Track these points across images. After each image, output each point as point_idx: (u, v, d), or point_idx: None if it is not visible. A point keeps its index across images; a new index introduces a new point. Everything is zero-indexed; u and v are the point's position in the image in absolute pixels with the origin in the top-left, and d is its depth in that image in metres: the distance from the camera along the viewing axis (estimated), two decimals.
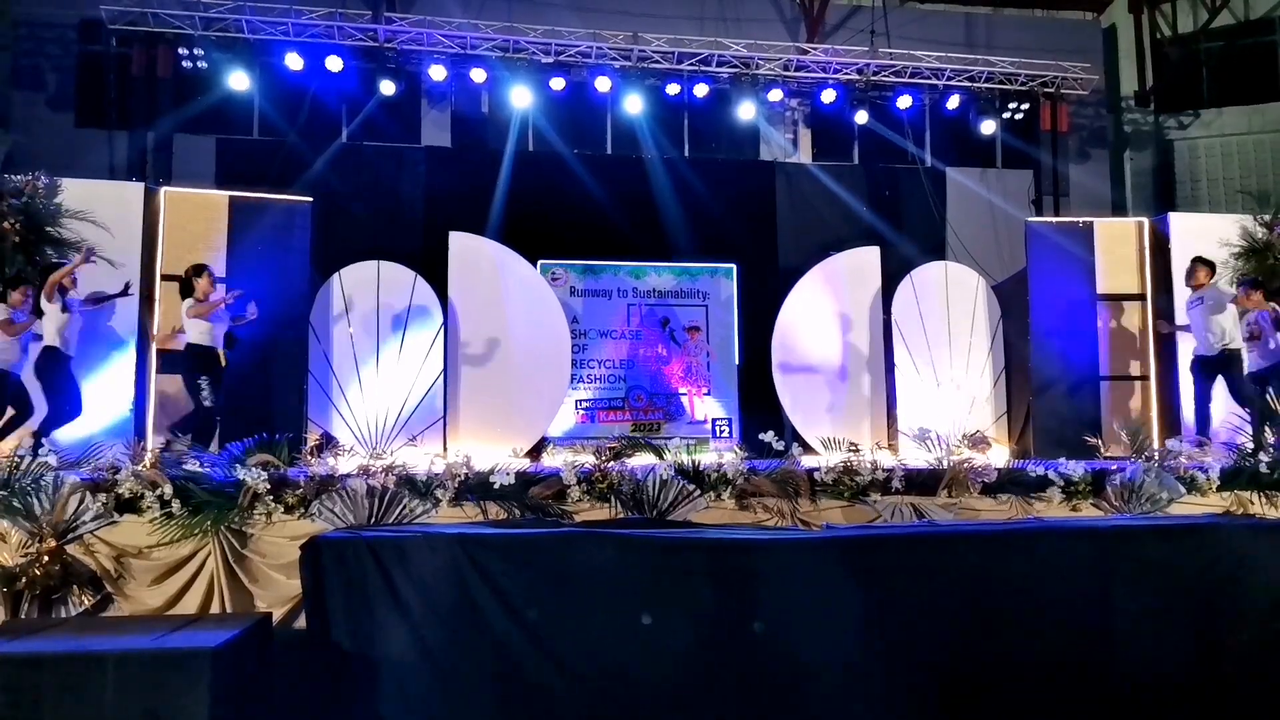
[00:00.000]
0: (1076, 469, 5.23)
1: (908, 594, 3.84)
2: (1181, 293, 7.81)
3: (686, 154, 11.86)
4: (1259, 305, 7.35)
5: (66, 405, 6.61)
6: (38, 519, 4.26)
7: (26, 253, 6.75)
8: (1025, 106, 11.76)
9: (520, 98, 10.82)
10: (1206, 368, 7.37)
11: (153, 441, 6.70)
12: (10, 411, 6.45)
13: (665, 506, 4.76)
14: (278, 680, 3.93)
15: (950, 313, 8.69)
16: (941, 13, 12.99)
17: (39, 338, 6.63)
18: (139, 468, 4.68)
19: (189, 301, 6.74)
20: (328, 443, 6.13)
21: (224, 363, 6.86)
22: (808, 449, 5.86)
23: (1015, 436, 8.59)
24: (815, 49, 11.52)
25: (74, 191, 7.06)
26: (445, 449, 7.46)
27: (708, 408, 10.60)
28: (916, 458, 5.79)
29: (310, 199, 8.20)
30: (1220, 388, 7.39)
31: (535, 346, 8.35)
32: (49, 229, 6.84)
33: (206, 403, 6.62)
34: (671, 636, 3.70)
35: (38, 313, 6.58)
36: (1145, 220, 8.68)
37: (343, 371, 7.99)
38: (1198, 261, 7.54)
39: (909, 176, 12.12)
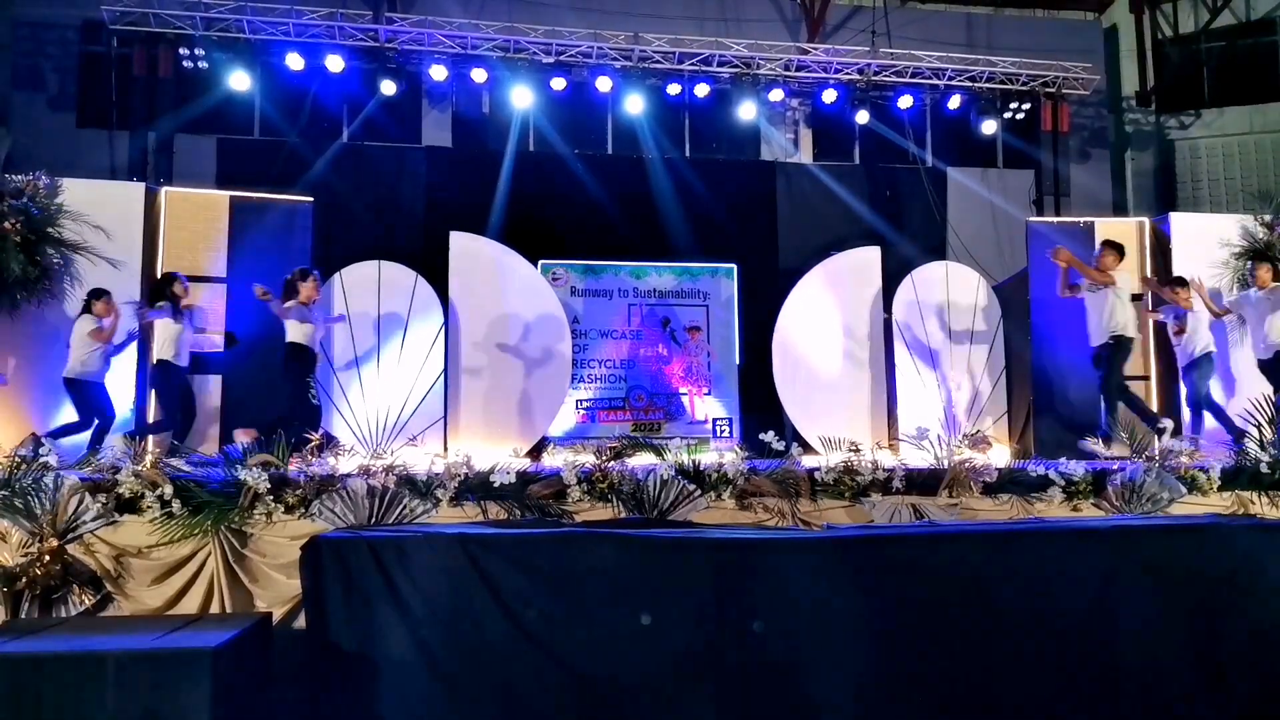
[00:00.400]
0: (1077, 469, 5.22)
1: (908, 594, 3.84)
2: None
3: (687, 154, 11.86)
4: (1184, 303, 7.37)
5: (181, 413, 7.00)
6: (38, 519, 4.27)
7: (27, 253, 6.75)
8: (1026, 106, 11.75)
9: (521, 98, 10.82)
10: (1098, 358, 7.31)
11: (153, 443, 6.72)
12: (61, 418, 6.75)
13: (666, 506, 4.75)
14: (278, 680, 3.94)
15: (950, 313, 8.69)
16: (942, 13, 12.99)
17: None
18: (139, 468, 4.68)
19: (290, 302, 6.89)
20: (328, 443, 6.13)
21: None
22: (808, 449, 5.85)
23: (1016, 436, 8.58)
24: (816, 49, 11.52)
25: (75, 192, 7.05)
26: (445, 449, 7.45)
27: (708, 408, 10.59)
28: (917, 458, 5.78)
29: (311, 199, 8.20)
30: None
31: (535, 347, 8.35)
32: (50, 229, 6.84)
33: (315, 401, 6.87)
34: (671, 636, 3.70)
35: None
36: (1146, 220, 8.68)
37: (343, 371, 7.99)
38: (1108, 246, 7.38)
39: (910, 176, 12.12)
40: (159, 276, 7.09)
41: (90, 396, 6.73)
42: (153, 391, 7.10)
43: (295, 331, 6.86)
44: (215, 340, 7.62)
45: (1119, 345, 7.15)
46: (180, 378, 6.99)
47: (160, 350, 6.85)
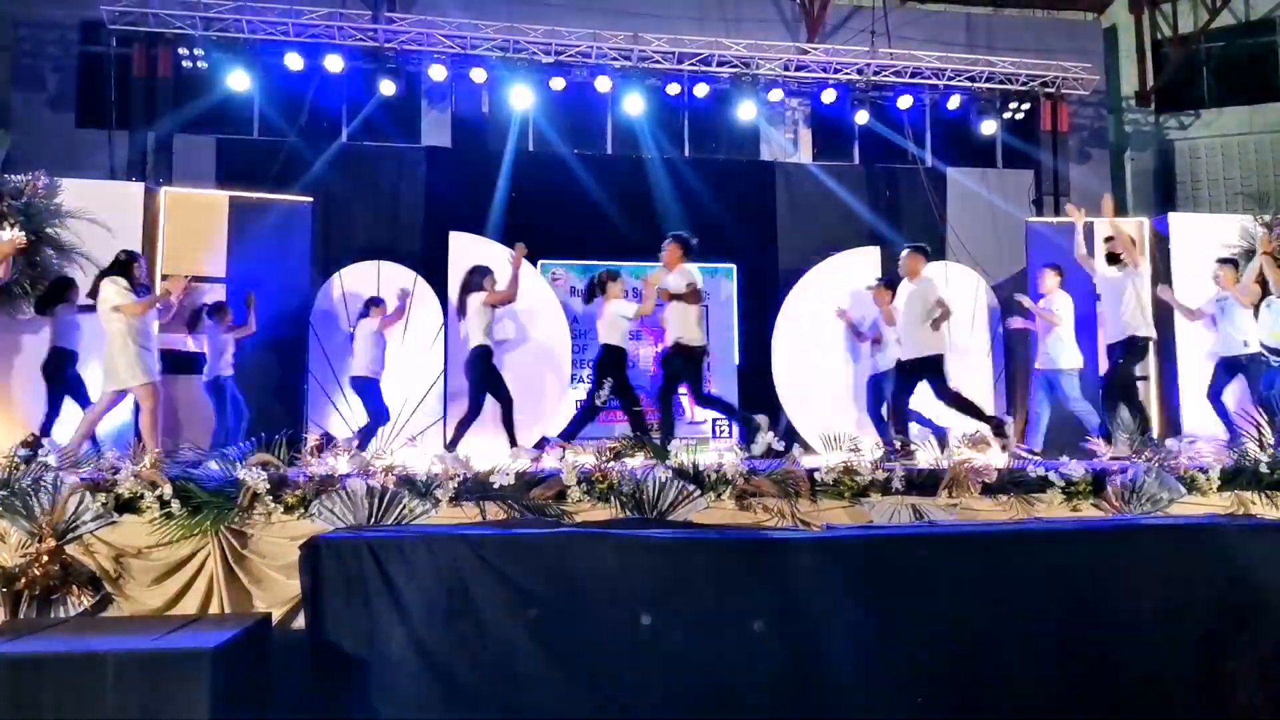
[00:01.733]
0: (1077, 469, 5.22)
1: (908, 594, 3.84)
2: (1181, 293, 7.79)
3: (686, 154, 11.84)
4: (888, 302, 7.39)
5: (497, 394, 7.28)
6: (38, 519, 4.26)
7: (27, 253, 6.75)
8: (1026, 106, 11.75)
9: (520, 98, 10.81)
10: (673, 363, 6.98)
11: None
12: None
13: (665, 507, 4.75)
14: (278, 680, 3.93)
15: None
16: (942, 13, 12.99)
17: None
18: (139, 468, 4.67)
19: (615, 303, 7.01)
20: (328, 443, 6.13)
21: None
22: (808, 449, 5.86)
23: (1015, 437, 8.56)
24: (815, 49, 11.52)
25: (74, 192, 7.06)
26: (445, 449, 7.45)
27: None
28: (917, 458, 5.78)
29: (310, 199, 8.22)
30: None
31: (535, 346, 8.36)
32: (49, 229, 6.84)
33: (598, 401, 6.96)
34: (671, 636, 3.70)
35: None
36: (1145, 220, 8.70)
37: (342, 371, 7.99)
38: (674, 240, 7.00)
39: (909, 176, 12.10)
40: (472, 268, 7.22)
41: (373, 394, 7.36)
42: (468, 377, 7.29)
43: (611, 332, 6.95)
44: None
45: (691, 356, 6.77)
46: (491, 363, 7.24)
47: (474, 338, 7.12)
